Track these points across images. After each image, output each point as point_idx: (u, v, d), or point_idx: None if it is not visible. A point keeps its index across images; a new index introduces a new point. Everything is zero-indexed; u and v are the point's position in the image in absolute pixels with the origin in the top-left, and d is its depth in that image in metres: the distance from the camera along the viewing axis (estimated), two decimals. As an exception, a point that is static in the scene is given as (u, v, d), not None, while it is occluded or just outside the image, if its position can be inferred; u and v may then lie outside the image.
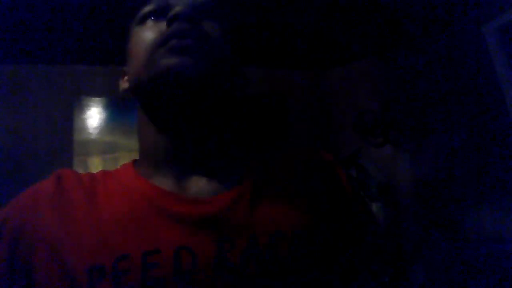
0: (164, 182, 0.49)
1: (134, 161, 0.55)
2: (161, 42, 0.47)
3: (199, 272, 0.40)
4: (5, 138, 2.02)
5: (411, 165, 2.17)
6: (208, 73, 0.47)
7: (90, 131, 2.12)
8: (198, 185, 0.48)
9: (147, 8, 0.52)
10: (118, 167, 0.56)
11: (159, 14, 0.51)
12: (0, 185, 1.88)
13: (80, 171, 0.56)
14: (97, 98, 2.18)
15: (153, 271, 0.39)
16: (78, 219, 0.44)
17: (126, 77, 0.58)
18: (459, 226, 1.90)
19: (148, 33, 0.50)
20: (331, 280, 0.45)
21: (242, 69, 0.57)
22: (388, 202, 2.14)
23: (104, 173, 0.53)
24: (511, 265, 1.63)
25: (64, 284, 0.40)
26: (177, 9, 0.48)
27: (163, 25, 0.49)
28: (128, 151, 2.07)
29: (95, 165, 2.04)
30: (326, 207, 0.50)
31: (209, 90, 0.48)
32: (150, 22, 0.51)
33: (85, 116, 2.14)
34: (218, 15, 0.52)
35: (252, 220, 0.44)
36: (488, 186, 1.79)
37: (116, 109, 2.17)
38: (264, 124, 2.38)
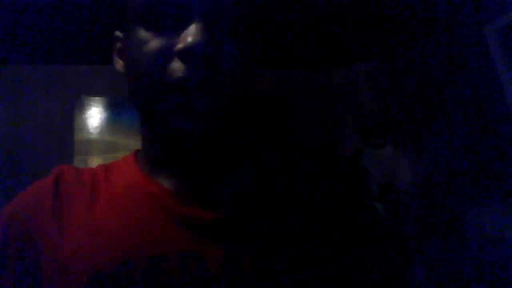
0: (169, 182, 0.45)
1: (136, 152, 0.51)
2: (169, 85, 0.38)
3: (207, 278, 0.38)
4: (5, 138, 2.01)
5: (411, 166, 2.18)
6: (227, 124, 0.41)
7: (91, 130, 2.11)
8: (206, 188, 0.46)
9: (153, 4, 0.40)
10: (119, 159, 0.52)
11: (168, 16, 0.40)
12: (0, 185, 1.88)
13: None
14: (97, 98, 2.17)
15: (158, 277, 0.37)
16: (79, 222, 0.42)
17: (119, 45, 0.50)
18: (459, 226, 1.90)
19: (153, 46, 0.39)
20: (338, 282, 0.44)
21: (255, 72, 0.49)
22: (389, 202, 2.14)
23: (105, 168, 0.50)
24: (511, 265, 1.63)
25: None
26: (192, 40, 0.36)
27: (171, 38, 0.39)
28: (128, 150, 2.03)
29: (96, 164, 2.02)
30: (333, 210, 0.50)
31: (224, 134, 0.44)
32: (155, 25, 0.40)
33: (86, 115, 2.13)
34: (243, 21, 0.42)
35: (262, 224, 0.43)
36: (488, 186, 1.80)
37: (117, 109, 2.16)
38: (266, 125, 2.38)
